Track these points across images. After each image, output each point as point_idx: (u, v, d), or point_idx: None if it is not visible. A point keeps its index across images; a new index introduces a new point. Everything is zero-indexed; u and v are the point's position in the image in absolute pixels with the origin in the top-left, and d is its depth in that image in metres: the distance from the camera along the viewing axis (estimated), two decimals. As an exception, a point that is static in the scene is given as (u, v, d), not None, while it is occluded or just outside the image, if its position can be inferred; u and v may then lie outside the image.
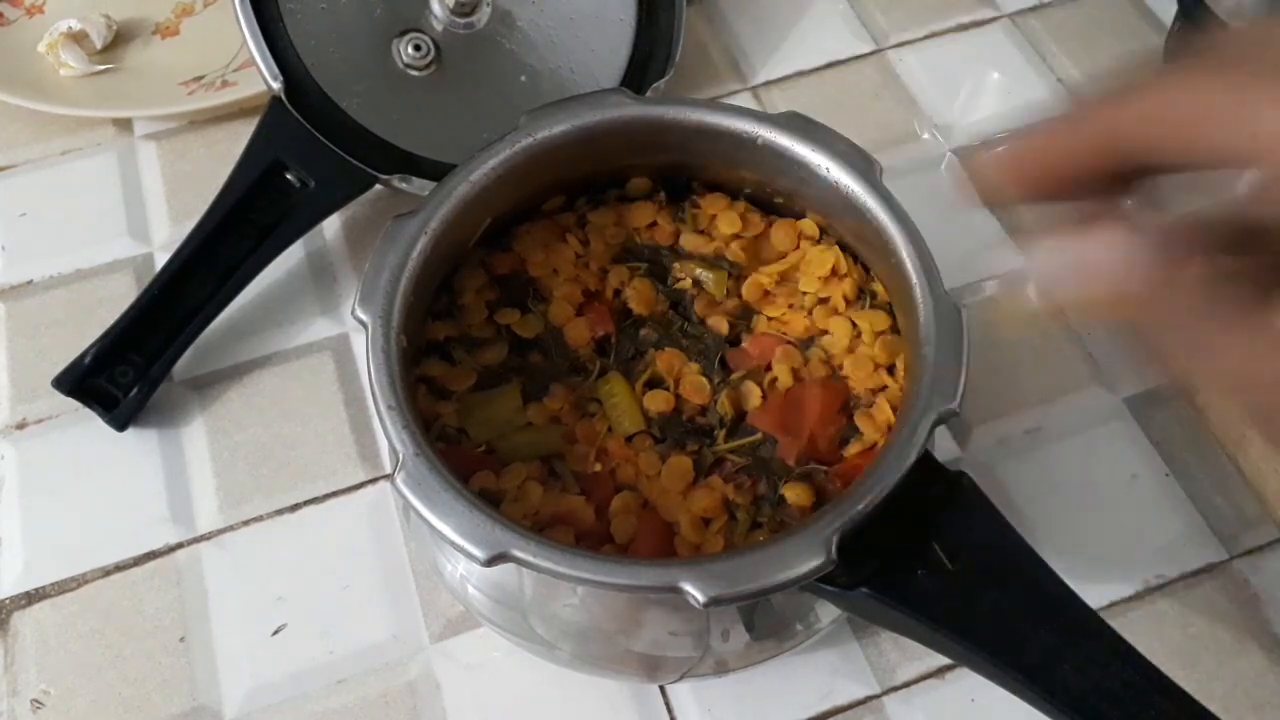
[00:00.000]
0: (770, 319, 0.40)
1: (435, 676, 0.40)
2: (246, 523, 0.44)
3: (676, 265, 0.41)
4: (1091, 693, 0.29)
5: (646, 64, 0.51)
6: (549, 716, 0.40)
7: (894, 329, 0.39)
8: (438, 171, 0.41)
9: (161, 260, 0.49)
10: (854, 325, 0.39)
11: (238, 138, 0.49)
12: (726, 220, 0.42)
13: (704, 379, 0.39)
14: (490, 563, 0.30)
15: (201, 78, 0.56)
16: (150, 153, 0.55)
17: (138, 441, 0.46)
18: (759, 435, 0.38)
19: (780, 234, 0.42)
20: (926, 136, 0.55)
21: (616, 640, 0.36)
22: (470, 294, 0.40)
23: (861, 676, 0.40)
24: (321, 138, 0.46)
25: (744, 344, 0.40)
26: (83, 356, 0.44)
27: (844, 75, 0.58)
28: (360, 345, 0.48)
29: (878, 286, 0.40)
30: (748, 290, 0.41)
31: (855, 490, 0.32)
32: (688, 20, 0.53)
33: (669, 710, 0.40)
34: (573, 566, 0.30)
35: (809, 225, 0.41)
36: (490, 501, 0.33)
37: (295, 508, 0.44)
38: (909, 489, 0.31)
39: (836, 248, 0.40)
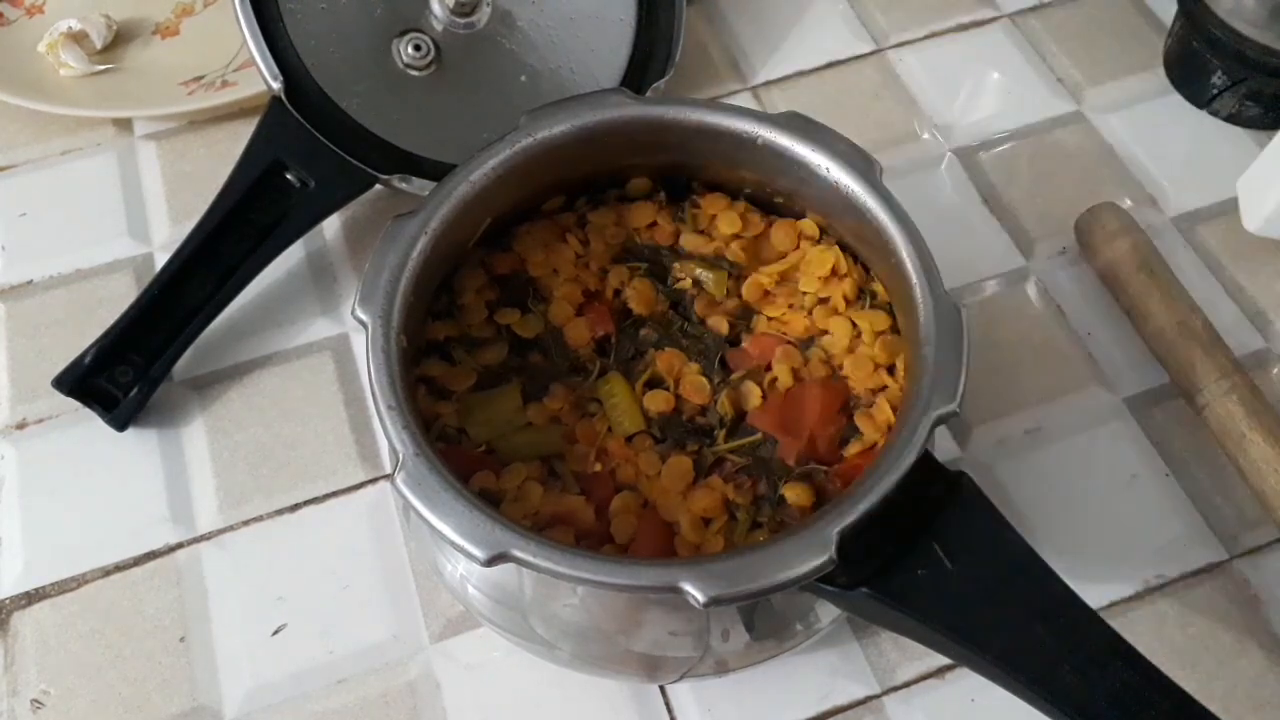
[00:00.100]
0: (770, 319, 0.40)
1: (435, 676, 0.40)
2: (246, 523, 0.44)
3: (676, 265, 0.41)
4: (1091, 693, 0.29)
5: (646, 64, 0.51)
6: (549, 716, 0.40)
7: (894, 329, 0.39)
8: (438, 171, 0.41)
9: (161, 260, 0.49)
10: (854, 325, 0.39)
11: (238, 138, 0.49)
12: (726, 220, 0.42)
13: (704, 379, 0.39)
14: (490, 563, 0.30)
15: (201, 78, 0.56)
16: (150, 153, 0.55)
17: (138, 441, 0.46)
18: (759, 435, 0.38)
19: (780, 234, 0.42)
20: (926, 136, 0.55)
21: (616, 640, 0.36)
22: (470, 294, 0.40)
23: (861, 676, 0.40)
24: (321, 138, 0.46)
25: (744, 344, 0.40)
26: (83, 356, 0.44)
27: (844, 75, 0.58)
28: (360, 345, 0.48)
29: (878, 286, 0.40)
30: (748, 290, 0.41)
31: (855, 490, 0.32)
32: (688, 20, 0.53)
33: (669, 710, 0.40)
34: (573, 566, 0.30)
35: (809, 225, 0.41)
36: (490, 501, 0.33)
37: (295, 508, 0.44)
38: (909, 489, 0.31)
39: (836, 248, 0.40)
